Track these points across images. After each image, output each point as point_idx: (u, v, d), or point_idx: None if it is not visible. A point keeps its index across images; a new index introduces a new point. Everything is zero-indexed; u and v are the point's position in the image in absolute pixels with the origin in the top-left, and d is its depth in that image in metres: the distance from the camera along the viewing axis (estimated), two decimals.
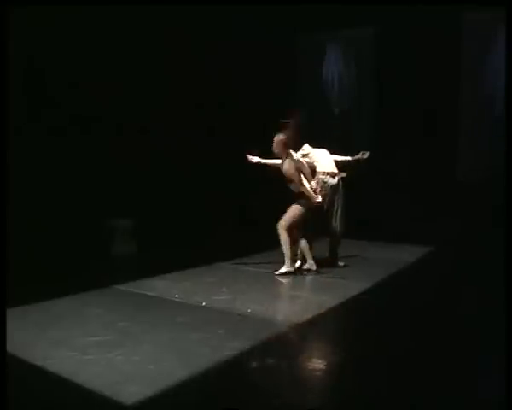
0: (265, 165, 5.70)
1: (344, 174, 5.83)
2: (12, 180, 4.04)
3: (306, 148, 5.89)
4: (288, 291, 4.84)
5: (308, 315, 4.07)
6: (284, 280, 5.27)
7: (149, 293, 4.67)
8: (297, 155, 5.48)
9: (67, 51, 6.54)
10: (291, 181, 5.37)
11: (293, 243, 5.47)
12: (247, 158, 5.71)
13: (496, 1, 6.50)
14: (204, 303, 4.31)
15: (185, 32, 7.81)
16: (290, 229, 5.39)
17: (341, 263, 5.94)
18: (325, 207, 5.67)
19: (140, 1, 6.58)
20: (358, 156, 5.90)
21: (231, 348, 3.26)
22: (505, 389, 2.38)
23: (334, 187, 5.73)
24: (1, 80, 3.46)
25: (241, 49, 8.69)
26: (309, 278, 5.36)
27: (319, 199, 5.46)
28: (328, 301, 4.55)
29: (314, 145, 5.97)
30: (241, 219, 8.27)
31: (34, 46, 6.14)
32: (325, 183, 5.70)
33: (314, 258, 5.57)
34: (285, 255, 5.40)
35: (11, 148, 3.63)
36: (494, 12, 6.94)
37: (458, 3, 7.25)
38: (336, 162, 5.89)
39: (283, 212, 5.51)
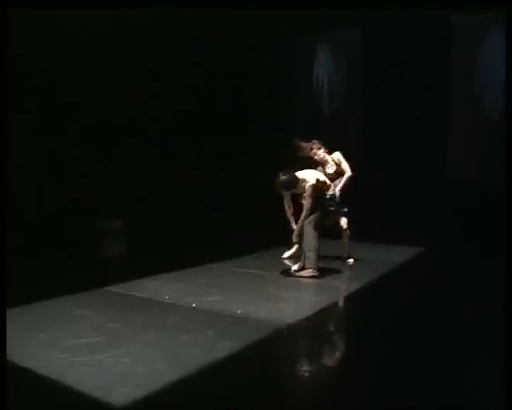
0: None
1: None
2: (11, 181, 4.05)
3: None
4: (279, 292, 4.86)
5: (299, 316, 4.08)
6: (276, 281, 5.29)
7: (140, 294, 4.67)
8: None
9: (66, 52, 6.56)
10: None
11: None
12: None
13: (496, 1, 6.57)
14: (194, 305, 4.31)
15: (177, 32, 7.83)
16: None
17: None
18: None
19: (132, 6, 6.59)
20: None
21: (222, 349, 3.27)
22: (505, 390, 2.41)
23: None
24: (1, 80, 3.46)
25: (232, 51, 8.72)
26: (300, 279, 5.37)
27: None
28: (320, 301, 4.58)
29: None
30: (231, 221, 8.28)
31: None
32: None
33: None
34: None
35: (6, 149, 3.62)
36: (494, 13, 7.03)
37: (458, 4, 7.32)
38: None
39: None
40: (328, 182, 5.53)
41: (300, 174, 5.38)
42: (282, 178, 5.26)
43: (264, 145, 8.78)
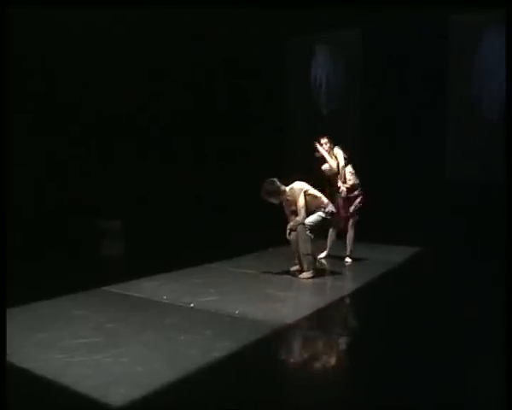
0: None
1: None
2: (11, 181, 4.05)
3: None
4: (277, 292, 4.85)
5: (297, 316, 4.08)
6: (273, 282, 5.29)
7: (138, 294, 4.67)
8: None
9: (66, 52, 6.57)
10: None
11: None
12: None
13: (496, 1, 6.56)
14: (192, 305, 4.31)
15: (177, 32, 7.83)
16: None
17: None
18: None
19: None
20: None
21: (220, 349, 3.27)
22: (505, 390, 2.40)
23: None
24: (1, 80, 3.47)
25: (232, 51, 8.72)
26: (297, 279, 5.38)
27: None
28: (317, 301, 4.59)
29: None
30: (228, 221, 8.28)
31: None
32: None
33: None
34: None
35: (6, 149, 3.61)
36: (494, 13, 7.02)
37: (458, 4, 7.31)
38: None
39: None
40: (324, 201, 5.50)
41: (289, 186, 5.45)
42: (265, 186, 5.33)
43: (264, 145, 8.79)
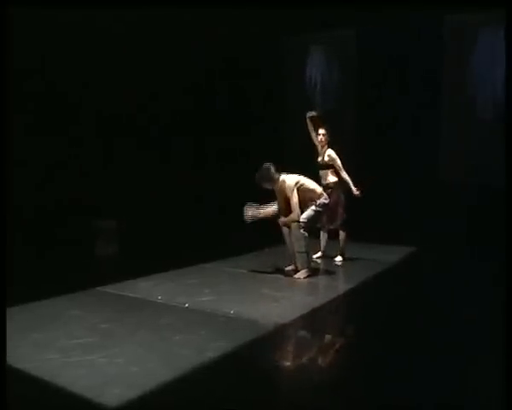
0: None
1: None
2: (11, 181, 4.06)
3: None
4: (272, 292, 4.85)
5: (292, 316, 4.08)
6: (268, 281, 5.29)
7: (132, 295, 4.68)
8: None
9: (66, 52, 6.58)
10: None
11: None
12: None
13: (496, 1, 6.54)
14: (187, 305, 4.32)
15: (177, 32, 7.83)
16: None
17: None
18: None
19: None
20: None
21: (214, 349, 3.27)
22: (505, 390, 2.40)
23: None
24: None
25: (232, 51, 8.72)
26: (292, 279, 5.38)
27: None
28: (313, 301, 4.59)
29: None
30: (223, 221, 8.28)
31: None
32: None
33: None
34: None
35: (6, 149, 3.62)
36: (494, 13, 7.00)
37: (458, 4, 7.30)
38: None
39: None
40: (317, 191, 5.51)
41: (285, 176, 5.47)
42: (259, 171, 5.42)
43: (264, 145, 8.78)
